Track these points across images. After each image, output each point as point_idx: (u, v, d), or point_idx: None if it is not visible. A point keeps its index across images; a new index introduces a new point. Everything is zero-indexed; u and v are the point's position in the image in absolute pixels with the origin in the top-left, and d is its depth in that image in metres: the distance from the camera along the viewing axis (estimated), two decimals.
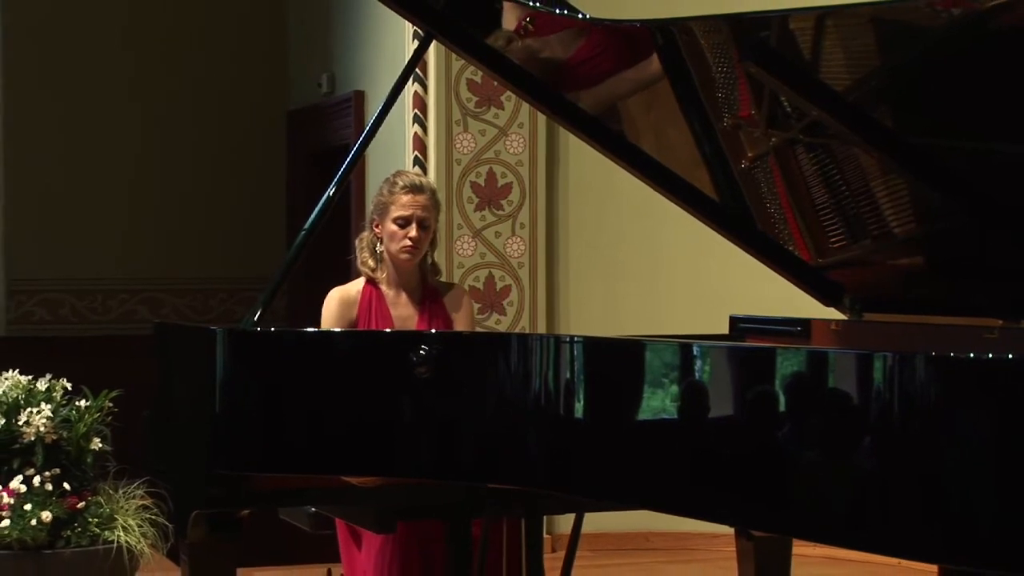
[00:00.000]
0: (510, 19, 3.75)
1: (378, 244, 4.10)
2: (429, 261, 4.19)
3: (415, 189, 4.06)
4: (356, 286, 4.13)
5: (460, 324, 4.15)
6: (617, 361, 3.13)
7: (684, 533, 6.64)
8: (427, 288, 4.17)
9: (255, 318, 3.54)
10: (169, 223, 8.82)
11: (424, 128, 6.79)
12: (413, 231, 4.03)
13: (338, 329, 4.00)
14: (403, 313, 4.10)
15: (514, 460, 3.23)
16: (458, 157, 6.79)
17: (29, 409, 5.60)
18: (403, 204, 4.03)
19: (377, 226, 4.09)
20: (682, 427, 2.93)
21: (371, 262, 4.12)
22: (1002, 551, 2.39)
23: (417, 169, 6.67)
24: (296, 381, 3.40)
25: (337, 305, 4.09)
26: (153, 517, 5.64)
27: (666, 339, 3.13)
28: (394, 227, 4.04)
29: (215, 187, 8.89)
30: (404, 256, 4.06)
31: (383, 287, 4.11)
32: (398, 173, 4.21)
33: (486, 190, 6.82)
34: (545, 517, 4.95)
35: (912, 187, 3.25)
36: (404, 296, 4.13)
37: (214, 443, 3.46)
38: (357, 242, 4.21)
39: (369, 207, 4.23)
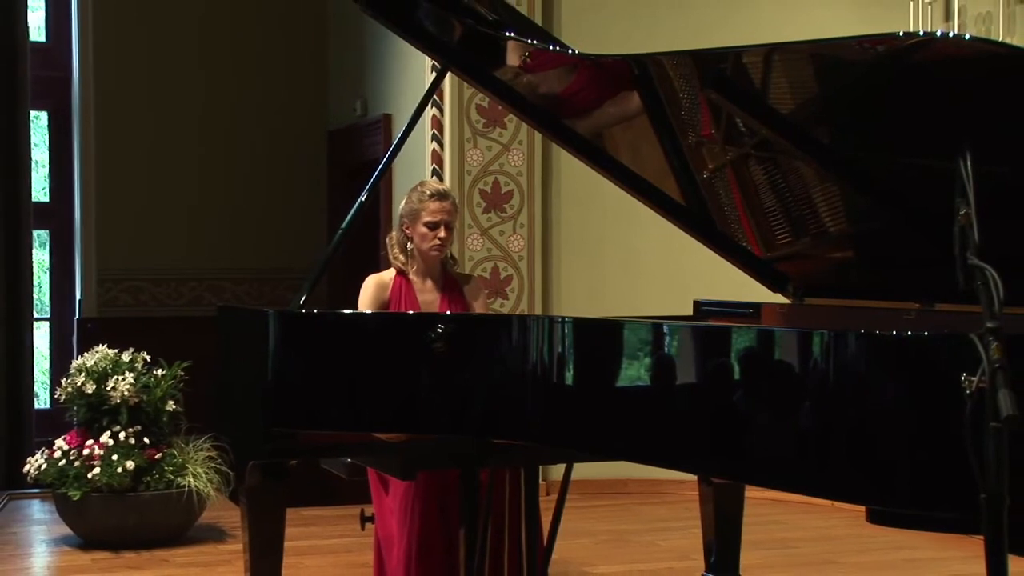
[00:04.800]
0: (513, 54, 3.74)
1: (408, 243, 4.09)
2: (449, 254, 4.18)
3: (441, 197, 4.04)
4: (389, 274, 4.13)
5: (478, 309, 4.16)
6: (600, 338, 3.12)
7: (656, 480, 6.65)
8: (448, 277, 4.16)
9: (301, 302, 3.53)
10: (230, 224, 8.83)
11: (441, 145, 6.78)
12: (442, 232, 4.03)
13: (369, 311, 3.99)
14: (428, 298, 4.10)
15: (515, 419, 3.22)
16: (469, 168, 6.78)
17: (115, 377, 5.63)
18: (432, 211, 4.02)
19: (407, 228, 4.07)
20: (654, 392, 2.92)
21: (402, 257, 4.11)
22: (915, 494, 2.39)
23: (435, 179, 6.66)
24: (335, 354, 3.40)
25: (373, 287, 4.09)
26: (217, 466, 5.67)
27: (641, 319, 3.12)
28: (425, 229, 4.03)
29: (268, 194, 8.90)
30: (434, 253, 4.05)
31: (411, 276, 4.10)
32: (423, 183, 4.19)
33: (492, 196, 6.81)
34: (540, 467, 4.95)
35: (844, 193, 3.24)
36: (429, 283, 4.12)
37: (267, 405, 3.45)
38: (388, 240, 4.19)
39: (396, 211, 4.21)
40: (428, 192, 4.05)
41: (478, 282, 4.38)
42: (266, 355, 3.44)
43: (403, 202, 4.12)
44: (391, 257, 4.14)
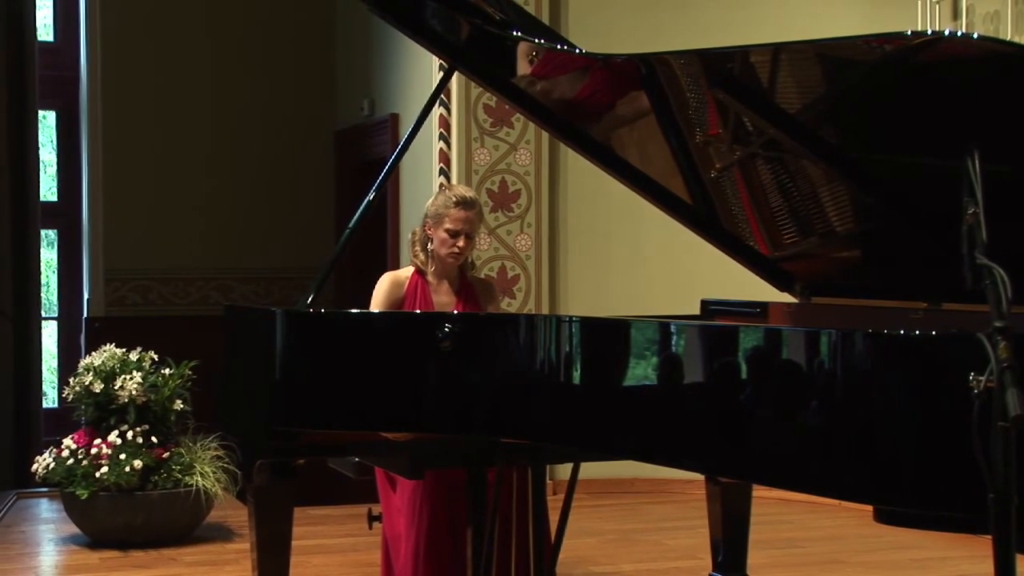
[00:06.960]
0: (521, 54, 3.74)
1: (429, 243, 4.09)
2: (468, 258, 4.18)
3: (467, 206, 4.03)
4: (406, 272, 4.12)
5: (492, 311, 4.16)
6: (607, 337, 3.12)
7: (663, 479, 6.65)
8: (464, 280, 4.16)
9: (308, 301, 3.53)
10: (238, 223, 8.84)
11: (448, 144, 6.78)
12: (461, 241, 4.02)
13: (376, 311, 3.99)
14: (443, 300, 4.09)
15: (522, 418, 3.22)
16: (476, 168, 6.79)
17: (123, 376, 5.63)
18: (454, 218, 4.01)
19: (430, 229, 4.07)
20: (661, 392, 2.92)
21: (422, 256, 4.11)
22: (920, 493, 2.39)
23: (443, 182, 6.66)
24: (342, 354, 3.40)
25: (389, 284, 4.08)
26: (225, 465, 5.67)
27: (648, 319, 3.12)
28: (444, 235, 4.03)
29: (276, 193, 8.91)
30: (450, 260, 4.05)
31: (429, 276, 4.10)
32: (452, 187, 4.19)
33: (499, 195, 6.81)
34: (547, 466, 4.95)
35: (851, 193, 3.24)
36: (445, 285, 4.12)
37: (274, 405, 3.46)
38: (410, 236, 4.19)
39: (404, 211, 4.21)
40: (454, 199, 4.04)
41: (493, 285, 4.38)
42: (273, 354, 3.44)
43: (430, 201, 4.12)
44: (411, 255, 4.15)
